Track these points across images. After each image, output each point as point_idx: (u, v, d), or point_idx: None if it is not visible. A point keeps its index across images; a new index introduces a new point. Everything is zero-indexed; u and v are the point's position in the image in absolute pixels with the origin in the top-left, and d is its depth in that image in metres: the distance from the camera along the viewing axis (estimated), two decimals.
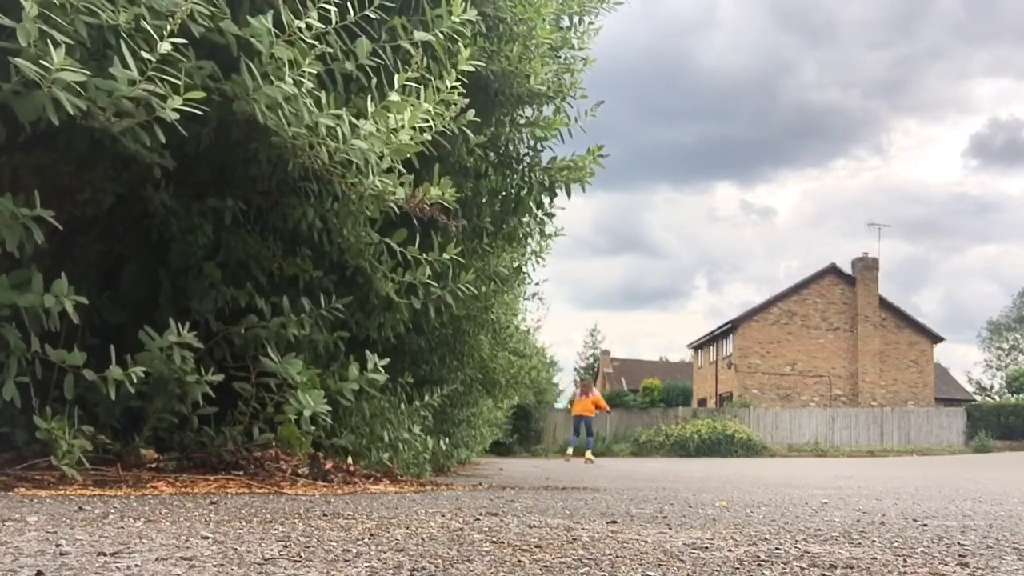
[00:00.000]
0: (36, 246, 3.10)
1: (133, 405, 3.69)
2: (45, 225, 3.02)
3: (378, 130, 3.37)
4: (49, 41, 2.60)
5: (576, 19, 5.27)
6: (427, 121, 3.53)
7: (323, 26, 3.32)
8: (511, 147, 5.31)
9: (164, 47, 2.79)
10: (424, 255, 4.28)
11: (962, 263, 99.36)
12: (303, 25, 3.24)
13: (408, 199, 3.70)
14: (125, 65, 2.77)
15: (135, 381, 3.35)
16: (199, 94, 2.90)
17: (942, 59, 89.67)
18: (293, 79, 3.17)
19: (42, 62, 2.58)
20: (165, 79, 2.84)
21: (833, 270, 39.35)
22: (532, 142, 5.36)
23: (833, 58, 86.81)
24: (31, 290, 3.09)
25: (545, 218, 5.81)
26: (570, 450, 18.49)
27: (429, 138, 3.58)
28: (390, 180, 3.54)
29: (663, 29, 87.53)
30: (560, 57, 5.19)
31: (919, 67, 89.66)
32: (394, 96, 3.45)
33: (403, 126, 3.40)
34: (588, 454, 17.49)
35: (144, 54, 2.79)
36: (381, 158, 3.44)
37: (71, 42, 2.70)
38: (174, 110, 2.85)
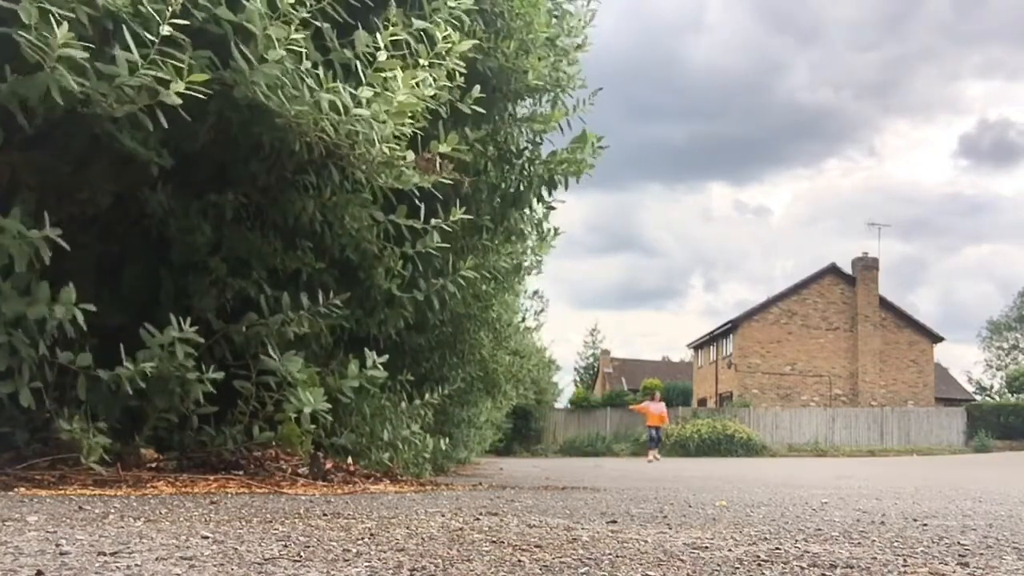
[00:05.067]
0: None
1: (133, 405, 3.69)
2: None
3: (376, 94, 3.37)
4: (52, 19, 2.60)
5: (571, 8, 5.28)
6: (420, 87, 3.54)
7: (316, 2, 3.32)
8: (510, 141, 5.31)
9: (165, 29, 2.79)
10: (431, 223, 4.33)
11: (957, 263, 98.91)
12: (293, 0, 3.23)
13: (418, 159, 3.72)
14: (126, 50, 2.76)
15: (147, 376, 3.40)
16: (202, 76, 2.90)
17: (932, 60, 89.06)
18: (289, 53, 3.17)
19: (43, 36, 2.57)
20: (167, 62, 2.83)
21: (833, 270, 39.30)
22: (531, 135, 5.36)
23: (823, 59, 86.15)
24: (38, 299, 3.11)
25: (545, 210, 5.82)
26: (653, 452, 22.27)
27: (431, 94, 3.58)
28: (397, 145, 3.55)
29: (653, 30, 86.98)
30: (557, 46, 5.18)
31: (909, 68, 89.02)
32: (382, 56, 3.45)
33: (397, 79, 3.40)
34: (656, 453, 22.02)
35: (146, 35, 2.79)
36: (384, 123, 3.44)
37: (71, 17, 2.69)
38: (177, 94, 2.84)
